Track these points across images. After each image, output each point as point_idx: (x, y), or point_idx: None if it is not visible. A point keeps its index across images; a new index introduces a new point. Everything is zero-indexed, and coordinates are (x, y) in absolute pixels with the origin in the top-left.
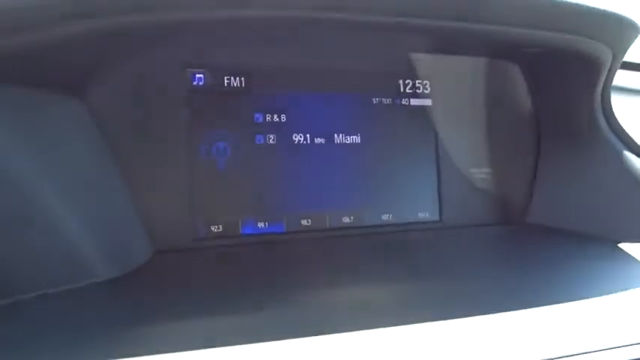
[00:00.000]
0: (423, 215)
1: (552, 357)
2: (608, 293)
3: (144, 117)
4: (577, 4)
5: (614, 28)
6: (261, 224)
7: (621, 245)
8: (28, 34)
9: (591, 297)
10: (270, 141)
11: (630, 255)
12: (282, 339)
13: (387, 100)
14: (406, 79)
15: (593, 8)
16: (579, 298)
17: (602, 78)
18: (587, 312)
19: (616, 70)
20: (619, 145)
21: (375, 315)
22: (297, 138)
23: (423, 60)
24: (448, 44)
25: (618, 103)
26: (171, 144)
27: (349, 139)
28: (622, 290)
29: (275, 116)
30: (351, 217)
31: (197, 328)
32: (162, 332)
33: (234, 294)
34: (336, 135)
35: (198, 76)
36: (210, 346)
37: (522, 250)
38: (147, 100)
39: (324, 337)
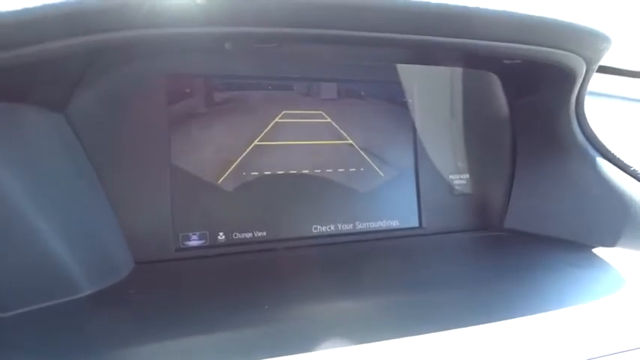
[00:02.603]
0: (402, 222)
1: None
2: (584, 300)
3: (124, 129)
4: (553, 20)
5: (588, 40)
6: (242, 234)
7: (596, 251)
8: (12, 51)
9: (568, 304)
10: None
11: (605, 261)
12: (268, 355)
13: (366, 108)
14: (386, 87)
15: (568, 23)
16: (556, 306)
17: (577, 87)
18: (563, 319)
19: (589, 80)
20: (592, 151)
21: (356, 328)
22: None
23: (402, 69)
24: (429, 56)
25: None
26: (151, 154)
27: (328, 146)
28: (598, 296)
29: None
30: (331, 226)
31: (180, 344)
32: (146, 349)
33: (218, 306)
34: (316, 143)
35: (179, 86)
36: None
37: (501, 257)
38: (127, 112)
39: (311, 353)
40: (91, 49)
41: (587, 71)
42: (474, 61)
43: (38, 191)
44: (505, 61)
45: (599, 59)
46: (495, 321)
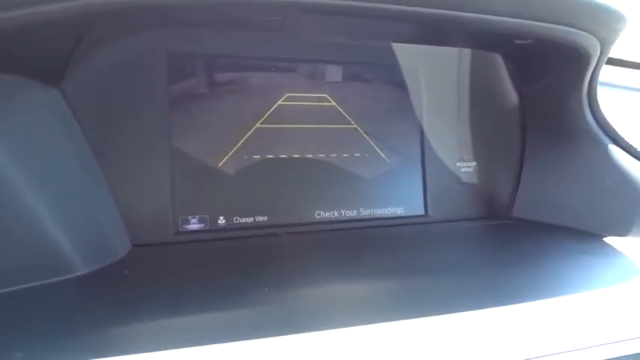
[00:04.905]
0: (408, 209)
1: (538, 355)
2: (594, 288)
3: (122, 107)
4: None
5: (604, 19)
6: (243, 218)
7: (608, 240)
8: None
9: (577, 292)
10: None
11: (616, 249)
12: (264, 336)
13: (372, 92)
14: (391, 71)
15: None
16: (565, 294)
17: (590, 71)
18: (573, 307)
19: (603, 63)
20: (605, 139)
21: (357, 310)
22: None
23: (408, 51)
24: (435, 34)
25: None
26: (150, 135)
27: (334, 132)
28: (608, 285)
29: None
30: (336, 212)
31: (175, 325)
32: (139, 330)
33: (216, 289)
34: (320, 128)
35: (179, 65)
36: (190, 344)
37: (508, 245)
38: (125, 89)
39: (307, 334)
40: (84, 14)
41: (600, 53)
42: (483, 41)
43: (33, 169)
44: (516, 41)
45: (613, 40)
46: (504, 305)
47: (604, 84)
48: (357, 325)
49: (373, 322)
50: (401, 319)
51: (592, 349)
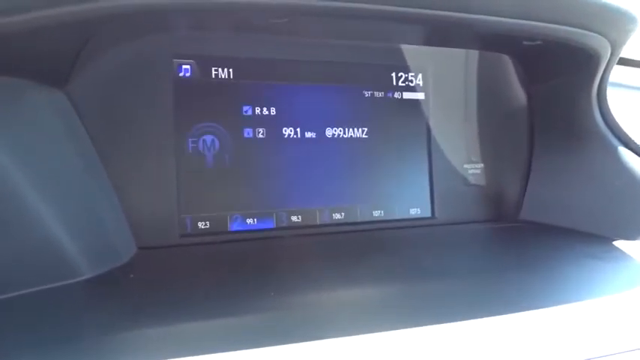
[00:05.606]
0: (415, 212)
1: None
2: (604, 293)
3: (128, 109)
4: None
5: (614, 20)
6: (250, 220)
7: (617, 243)
8: (7, 18)
9: (586, 297)
10: (260, 135)
11: (626, 253)
12: (271, 342)
13: (379, 94)
14: (399, 72)
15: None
16: (574, 299)
17: (600, 72)
18: (582, 313)
19: (613, 65)
20: (614, 141)
21: (365, 316)
22: (287, 132)
23: (416, 52)
24: (443, 36)
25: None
26: (156, 137)
27: (340, 134)
28: (618, 290)
29: (264, 109)
30: (342, 214)
31: (181, 330)
32: (147, 335)
33: (222, 293)
34: (327, 129)
35: (184, 67)
36: (197, 352)
37: (516, 249)
38: (131, 91)
39: (314, 340)
40: (91, 17)
41: (611, 54)
42: (491, 42)
43: (37, 172)
44: (525, 43)
45: (624, 42)
46: (513, 312)
47: (611, 84)
48: (365, 332)
49: (381, 330)
50: (409, 326)
51: (604, 357)
